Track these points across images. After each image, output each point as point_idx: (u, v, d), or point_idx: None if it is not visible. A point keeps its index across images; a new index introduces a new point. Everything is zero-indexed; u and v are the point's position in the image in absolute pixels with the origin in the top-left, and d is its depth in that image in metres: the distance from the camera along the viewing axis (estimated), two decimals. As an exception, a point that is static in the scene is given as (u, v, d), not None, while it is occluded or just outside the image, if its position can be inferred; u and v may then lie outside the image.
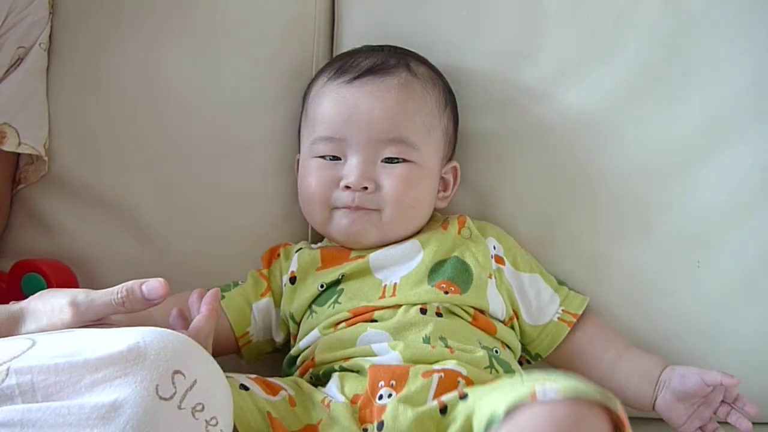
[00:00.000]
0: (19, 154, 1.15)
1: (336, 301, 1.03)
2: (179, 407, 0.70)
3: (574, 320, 1.08)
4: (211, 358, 0.77)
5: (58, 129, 1.17)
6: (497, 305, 1.04)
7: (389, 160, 1.05)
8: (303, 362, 1.02)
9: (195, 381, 0.72)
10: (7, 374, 0.71)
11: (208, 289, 1.07)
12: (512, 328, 1.06)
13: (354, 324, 1.00)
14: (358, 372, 0.95)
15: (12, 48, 1.13)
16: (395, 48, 1.13)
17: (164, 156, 1.19)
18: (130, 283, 0.84)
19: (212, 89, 1.19)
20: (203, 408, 0.72)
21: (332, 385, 0.95)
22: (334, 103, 1.07)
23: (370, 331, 0.98)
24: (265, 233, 1.17)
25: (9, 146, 1.12)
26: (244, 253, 1.16)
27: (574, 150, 1.15)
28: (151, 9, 1.20)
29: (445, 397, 0.89)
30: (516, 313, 1.07)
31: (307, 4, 1.21)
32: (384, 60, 1.09)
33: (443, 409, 0.88)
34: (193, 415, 0.71)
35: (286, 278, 1.08)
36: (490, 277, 1.05)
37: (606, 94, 1.14)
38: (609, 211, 1.14)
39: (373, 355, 0.96)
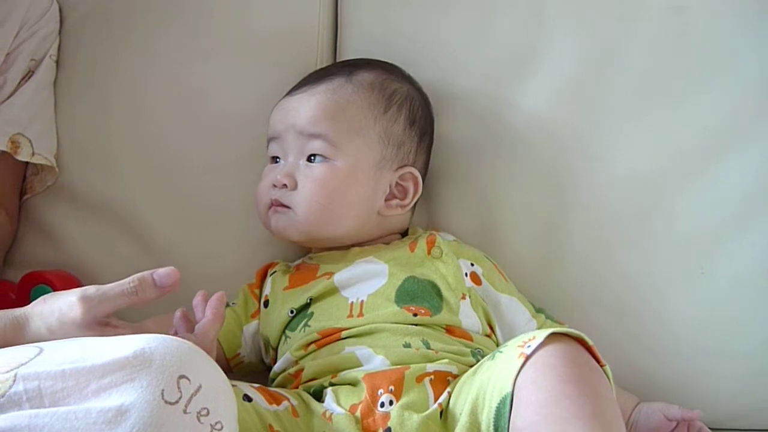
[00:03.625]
0: (26, 164, 1.17)
1: (306, 325, 1.02)
2: (185, 411, 0.71)
3: None
4: (215, 364, 0.77)
5: (63, 139, 1.18)
6: (471, 322, 1.03)
7: (311, 159, 1.06)
8: (285, 382, 1.01)
9: (200, 386, 0.72)
10: (14, 380, 0.72)
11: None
12: (490, 338, 1.05)
13: (324, 345, 1.00)
14: (350, 384, 0.95)
15: (25, 60, 1.15)
16: (360, 60, 1.14)
17: (169, 166, 1.20)
18: (141, 273, 0.85)
19: (217, 99, 1.20)
20: (208, 413, 0.72)
21: (329, 400, 0.95)
22: (276, 109, 1.11)
23: (348, 348, 0.98)
24: (271, 244, 1.17)
25: (23, 156, 1.13)
26: (249, 264, 1.16)
27: (576, 158, 1.15)
28: (155, 21, 1.22)
29: (442, 399, 0.90)
30: (492, 330, 1.06)
31: (311, 15, 1.22)
32: (330, 69, 1.12)
33: (442, 413, 0.90)
34: (198, 420, 0.72)
35: (263, 302, 1.09)
36: (463, 297, 1.04)
37: (609, 102, 1.15)
38: (611, 219, 1.14)
39: (359, 363, 0.96)
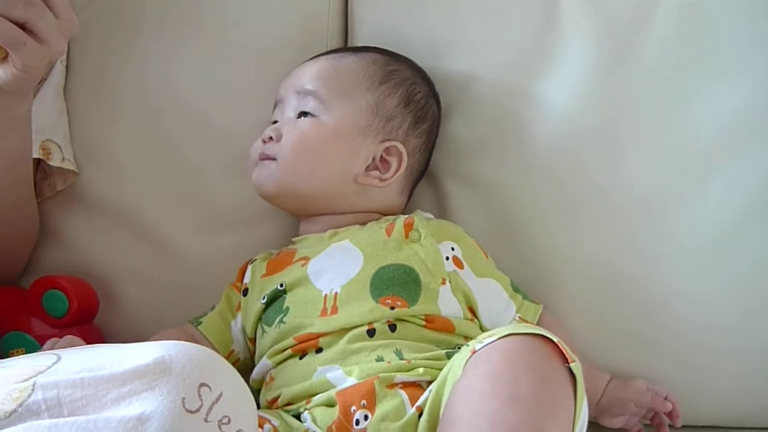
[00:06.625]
0: (36, 168, 1.16)
1: (281, 321, 1.01)
2: (206, 420, 0.70)
3: None
4: (236, 371, 0.76)
5: (74, 144, 1.17)
6: (452, 309, 1.01)
7: (301, 114, 1.08)
8: (265, 402, 1.00)
9: (221, 394, 0.71)
10: (33, 389, 0.71)
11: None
12: (472, 321, 1.04)
13: (299, 351, 0.98)
14: (325, 405, 0.93)
15: None
16: (375, 47, 1.15)
17: (181, 170, 1.19)
18: None
19: (229, 100, 1.20)
20: (229, 421, 0.71)
21: (308, 422, 0.93)
22: (283, 80, 1.14)
23: (319, 369, 0.96)
24: (282, 245, 1.15)
25: (55, 161, 1.13)
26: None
27: (591, 156, 1.14)
28: (163, 21, 1.21)
29: (421, 401, 0.89)
30: (474, 313, 1.04)
31: (320, 13, 1.22)
32: (340, 48, 1.15)
33: (421, 414, 0.88)
34: (220, 428, 0.71)
35: (242, 291, 1.09)
36: (443, 282, 1.02)
37: (624, 99, 1.14)
38: (626, 219, 1.13)
39: (331, 386, 0.94)
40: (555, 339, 0.83)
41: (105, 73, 1.20)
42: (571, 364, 0.82)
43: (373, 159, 1.09)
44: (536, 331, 0.84)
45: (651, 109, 1.13)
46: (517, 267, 1.12)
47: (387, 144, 1.09)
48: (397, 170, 1.09)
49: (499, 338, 0.83)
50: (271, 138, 1.08)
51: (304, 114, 1.08)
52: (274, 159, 1.07)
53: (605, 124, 1.14)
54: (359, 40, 1.22)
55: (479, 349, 0.84)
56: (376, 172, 1.09)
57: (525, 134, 1.15)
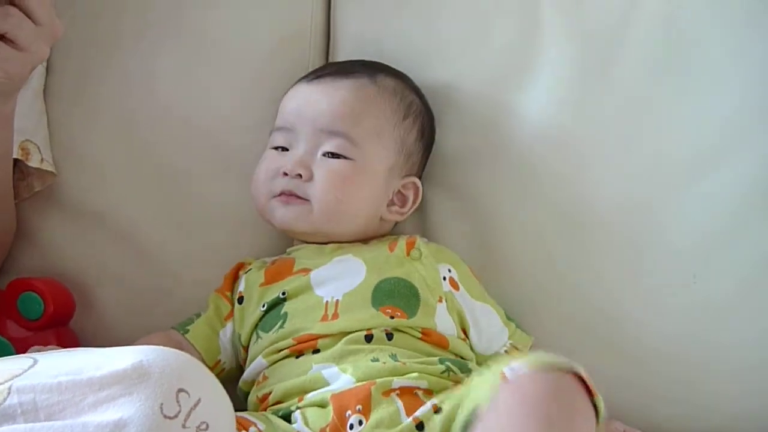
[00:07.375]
0: (14, 168, 1.15)
1: (280, 327, 1.01)
2: (183, 426, 0.70)
3: None
4: (214, 377, 0.76)
5: (52, 145, 1.16)
6: (446, 327, 1.03)
7: (330, 155, 1.06)
8: (255, 399, 1.00)
9: (199, 400, 0.71)
10: (8, 393, 0.71)
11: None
12: (464, 342, 1.05)
13: (297, 351, 0.99)
14: (318, 405, 0.93)
15: None
16: (378, 63, 1.14)
17: (160, 172, 1.19)
18: None
19: (209, 105, 1.19)
20: (207, 427, 0.71)
21: (298, 423, 0.93)
22: (292, 99, 1.10)
23: (315, 366, 0.97)
24: (264, 250, 1.16)
25: (34, 162, 1.12)
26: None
27: (571, 166, 1.14)
28: (145, 25, 1.20)
29: (420, 413, 0.89)
30: (466, 334, 1.05)
31: (302, 20, 1.22)
32: (352, 67, 1.12)
33: (419, 425, 0.88)
34: (198, 434, 0.71)
35: (236, 299, 1.09)
36: (440, 300, 1.04)
37: (601, 113, 1.14)
38: (606, 227, 1.13)
39: (326, 383, 0.95)
40: (583, 373, 0.82)
41: (86, 75, 1.19)
42: (596, 398, 0.82)
43: (392, 193, 1.10)
44: (567, 364, 0.82)
45: (633, 117, 1.13)
46: (494, 276, 1.13)
47: (406, 180, 1.11)
48: (414, 203, 1.11)
49: (530, 368, 0.81)
50: (299, 175, 1.06)
51: (333, 155, 1.06)
52: (306, 200, 1.06)
53: (586, 133, 1.14)
54: (342, 43, 1.22)
55: (509, 375, 0.81)
56: (396, 207, 1.10)
57: (506, 144, 1.15)
